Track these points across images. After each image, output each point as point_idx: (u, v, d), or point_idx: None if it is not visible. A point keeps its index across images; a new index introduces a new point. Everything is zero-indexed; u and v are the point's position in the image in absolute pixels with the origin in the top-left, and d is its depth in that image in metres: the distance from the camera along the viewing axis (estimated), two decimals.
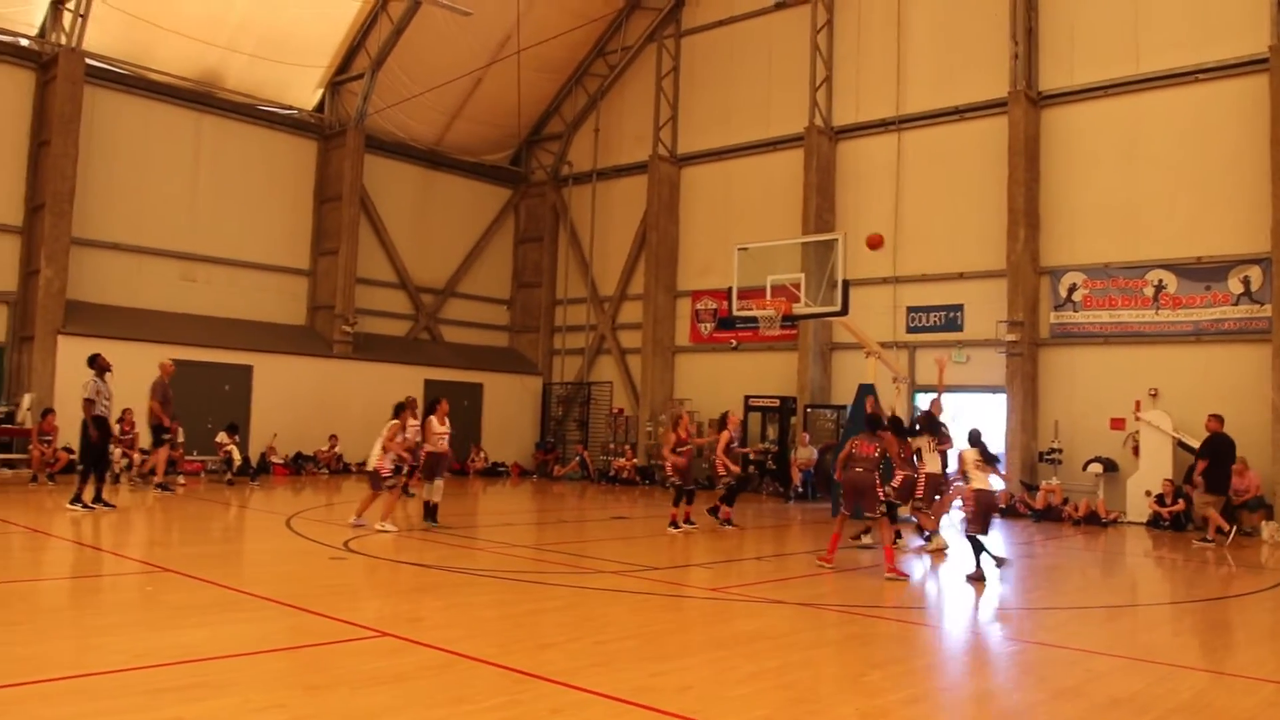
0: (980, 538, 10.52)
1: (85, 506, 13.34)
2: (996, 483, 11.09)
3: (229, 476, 19.04)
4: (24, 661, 5.80)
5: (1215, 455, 14.77)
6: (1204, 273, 17.98)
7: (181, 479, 18.70)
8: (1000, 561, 11.01)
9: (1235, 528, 15.14)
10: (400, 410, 12.88)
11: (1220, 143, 18.03)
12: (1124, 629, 8.71)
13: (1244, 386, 17.35)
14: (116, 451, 17.61)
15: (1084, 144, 19.58)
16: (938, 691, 6.29)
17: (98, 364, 13.71)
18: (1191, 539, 15.23)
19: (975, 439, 10.90)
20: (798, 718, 5.32)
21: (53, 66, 20.42)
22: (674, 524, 14.01)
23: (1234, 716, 5.64)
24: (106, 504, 13.63)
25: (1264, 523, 15.83)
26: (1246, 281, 17.51)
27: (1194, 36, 18.39)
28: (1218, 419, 15.11)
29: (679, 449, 14.46)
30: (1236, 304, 17.59)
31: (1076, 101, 19.74)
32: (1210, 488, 14.81)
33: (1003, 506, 18.39)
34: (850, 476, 11.05)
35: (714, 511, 14.91)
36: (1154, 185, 18.69)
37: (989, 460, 10.67)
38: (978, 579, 10.33)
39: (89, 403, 13.35)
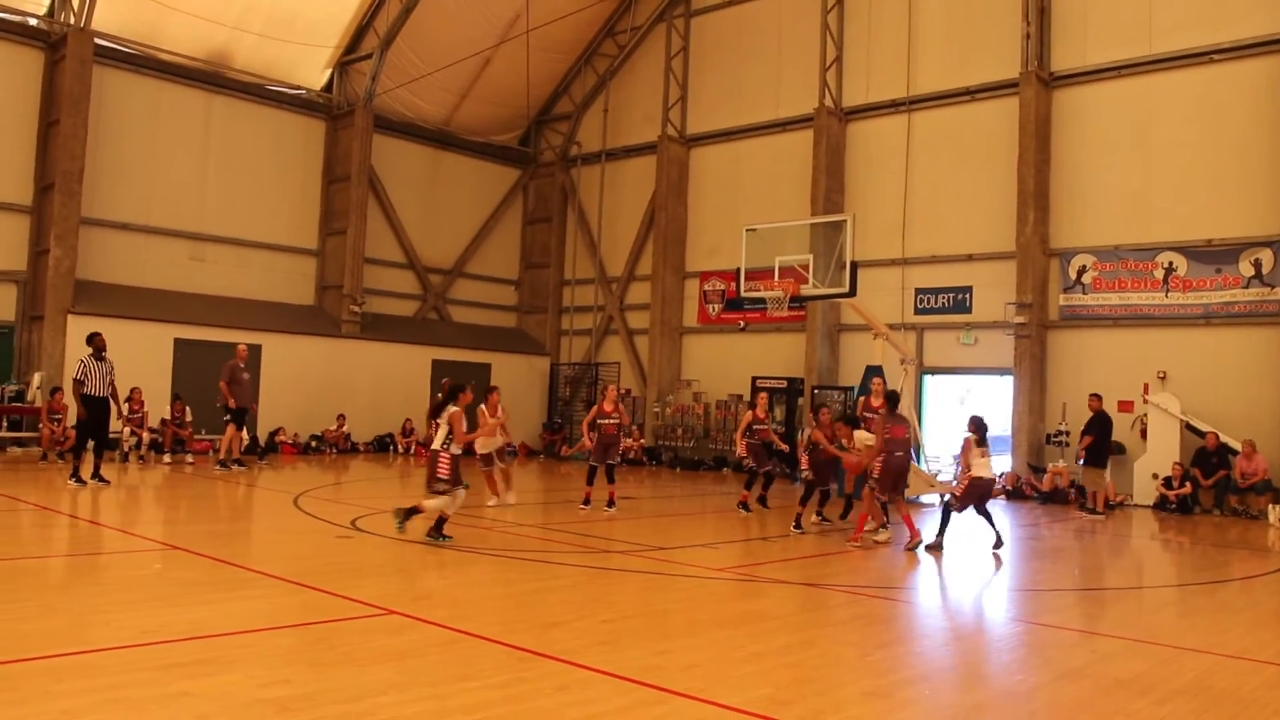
0: (954, 514, 11.30)
1: (80, 482, 13.72)
2: (994, 468, 11.61)
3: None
4: (32, 637, 5.86)
5: (1100, 432, 15.88)
6: (1215, 255, 17.87)
7: (190, 458, 18.85)
8: (999, 543, 11.21)
9: (1116, 502, 16.99)
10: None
11: (1233, 124, 17.87)
12: (1129, 611, 8.72)
13: (1254, 370, 17.29)
14: (125, 430, 17.73)
15: (1095, 125, 19.44)
16: (942, 672, 6.31)
17: (94, 344, 14.13)
18: (1073, 510, 16.58)
19: (976, 426, 11.34)
20: (802, 697, 5.34)
21: (61, 46, 20.38)
22: (610, 503, 13.42)
23: (1237, 698, 5.65)
24: (102, 479, 13.99)
25: (1271, 506, 15.79)
26: (1258, 264, 17.40)
27: (1207, 17, 18.20)
28: (1098, 398, 16.29)
29: (601, 420, 13.46)
30: (1247, 287, 17.48)
31: (1088, 82, 19.57)
32: (1092, 461, 15.91)
33: (1007, 488, 18.49)
34: (896, 461, 11.47)
35: (743, 505, 14.22)
36: (1165, 167, 18.56)
37: (983, 446, 11.21)
38: (936, 548, 11.09)
39: (78, 383, 13.90)
